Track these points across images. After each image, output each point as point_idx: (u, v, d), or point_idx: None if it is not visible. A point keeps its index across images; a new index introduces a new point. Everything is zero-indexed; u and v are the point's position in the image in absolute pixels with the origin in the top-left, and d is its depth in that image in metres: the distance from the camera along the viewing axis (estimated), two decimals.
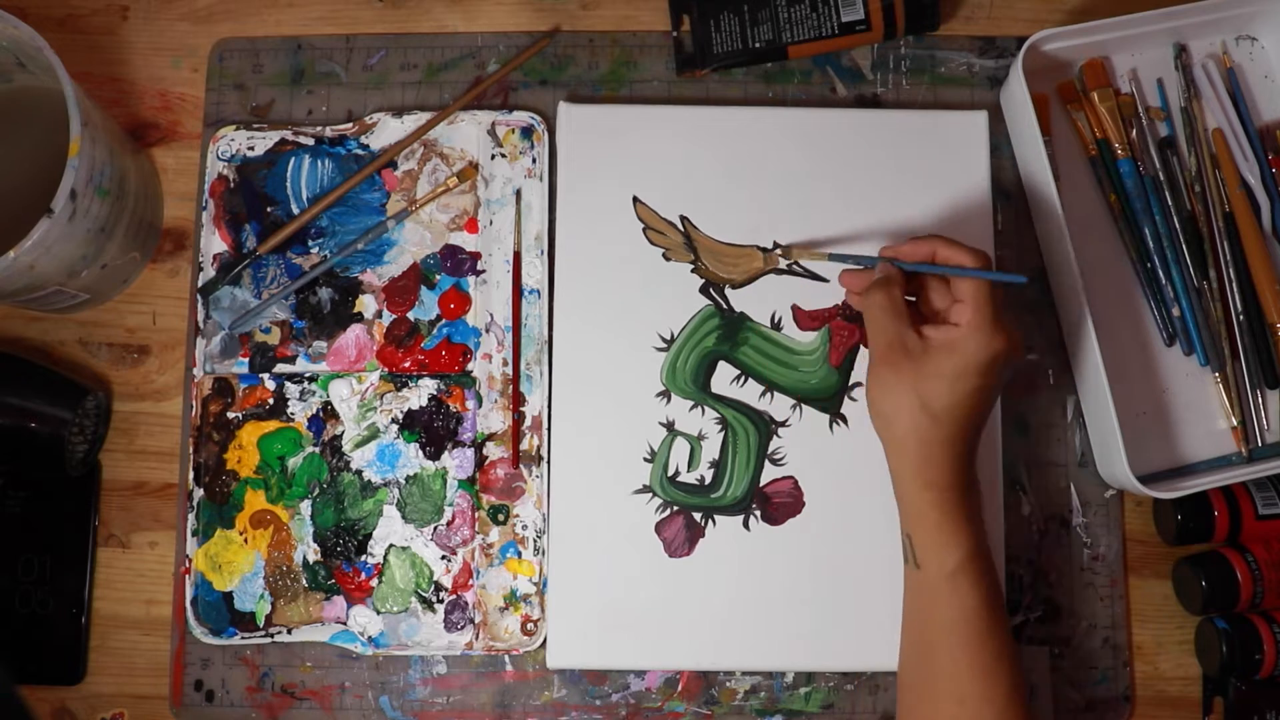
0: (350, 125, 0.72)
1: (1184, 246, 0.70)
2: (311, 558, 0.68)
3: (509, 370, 0.70)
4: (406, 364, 0.70)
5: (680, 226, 0.70)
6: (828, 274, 0.69)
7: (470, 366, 0.70)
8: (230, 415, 0.70)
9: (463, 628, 0.68)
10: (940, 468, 0.58)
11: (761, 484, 0.68)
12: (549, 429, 0.69)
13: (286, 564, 0.68)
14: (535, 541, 0.69)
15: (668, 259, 0.70)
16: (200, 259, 0.71)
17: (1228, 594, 0.66)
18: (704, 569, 0.67)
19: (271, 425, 0.69)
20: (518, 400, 0.69)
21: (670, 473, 0.68)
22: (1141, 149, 0.72)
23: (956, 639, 0.58)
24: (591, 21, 0.74)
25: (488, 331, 0.70)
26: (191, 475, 0.69)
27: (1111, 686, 0.68)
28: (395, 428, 0.69)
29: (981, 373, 0.58)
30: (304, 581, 0.68)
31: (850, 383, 0.69)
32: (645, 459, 0.68)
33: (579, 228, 0.70)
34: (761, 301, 0.69)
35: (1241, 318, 0.69)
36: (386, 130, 0.72)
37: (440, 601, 0.68)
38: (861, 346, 0.69)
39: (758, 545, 0.67)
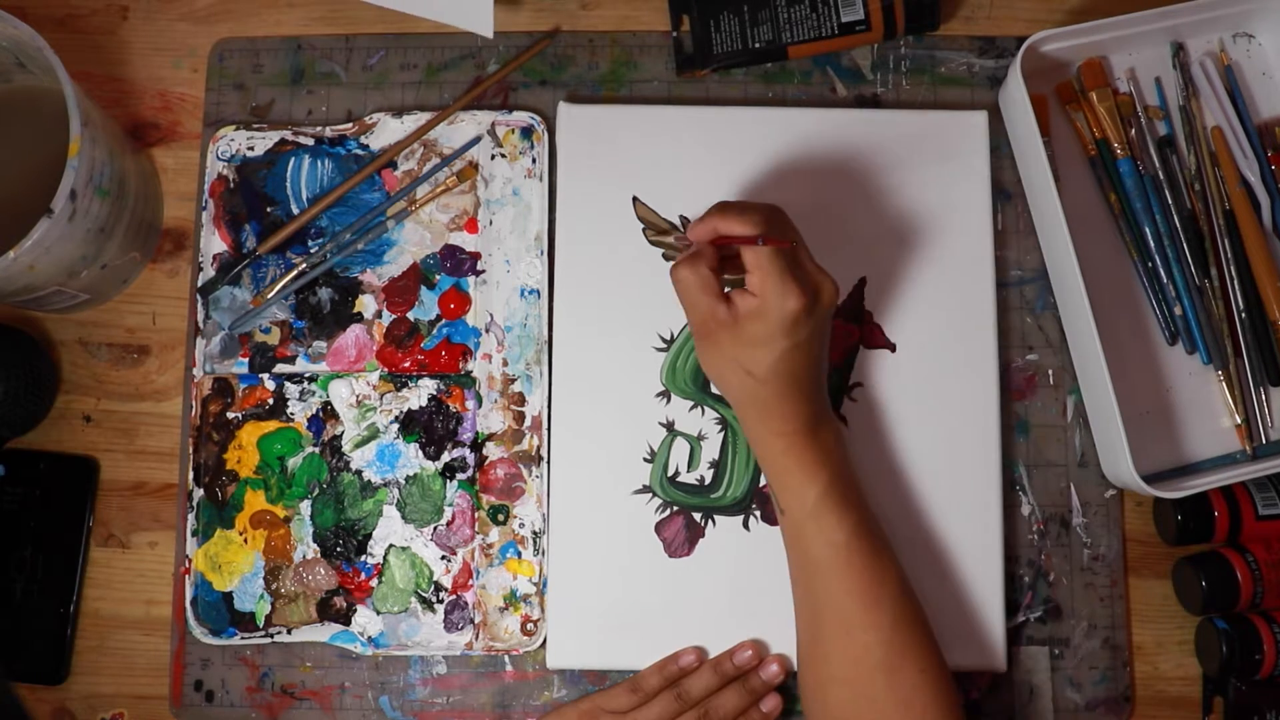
0: (350, 125, 0.72)
1: (1185, 245, 0.70)
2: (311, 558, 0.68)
3: (509, 370, 0.70)
4: (406, 364, 0.70)
5: (680, 227, 0.70)
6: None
7: (470, 366, 0.70)
8: (230, 415, 0.70)
9: (463, 628, 0.68)
10: (781, 417, 0.60)
11: (761, 484, 0.68)
12: (549, 429, 0.69)
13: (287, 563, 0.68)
14: (535, 541, 0.68)
15: (668, 259, 0.70)
16: (200, 259, 0.71)
17: (1228, 594, 0.66)
18: (704, 569, 0.67)
19: (271, 425, 0.69)
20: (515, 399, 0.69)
21: (670, 473, 0.68)
22: (1141, 148, 0.72)
23: (832, 571, 0.60)
24: (591, 21, 0.75)
25: (487, 331, 0.70)
26: (191, 475, 0.69)
27: (1111, 686, 0.68)
28: (395, 428, 0.69)
29: (786, 332, 0.58)
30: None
31: (850, 383, 0.69)
32: (645, 459, 0.68)
33: (579, 228, 0.70)
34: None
35: (1243, 315, 0.69)
36: (386, 130, 0.72)
37: (440, 601, 0.68)
38: (861, 346, 0.69)
39: (758, 545, 0.67)
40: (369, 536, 0.68)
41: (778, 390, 0.59)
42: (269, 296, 0.70)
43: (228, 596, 0.68)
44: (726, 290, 0.60)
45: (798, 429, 0.60)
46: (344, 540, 0.68)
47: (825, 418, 0.62)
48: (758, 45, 0.72)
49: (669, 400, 0.69)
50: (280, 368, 0.70)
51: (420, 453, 0.69)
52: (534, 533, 0.69)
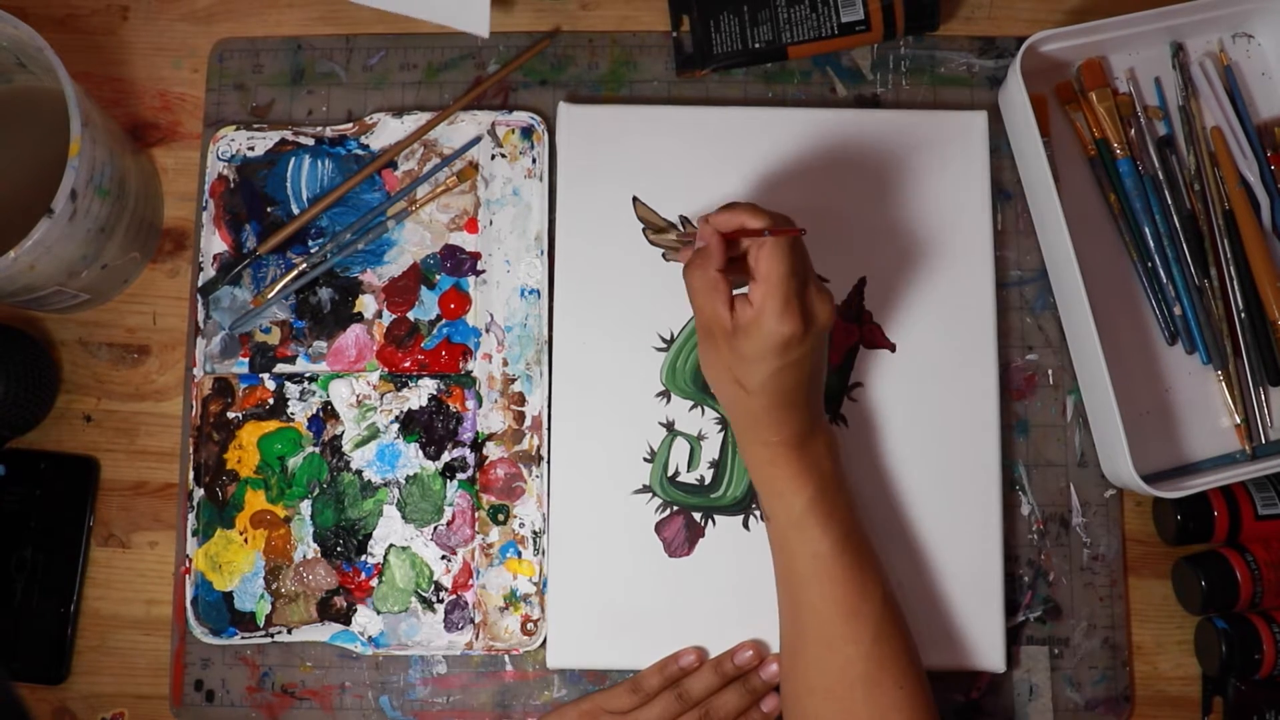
0: (350, 125, 0.72)
1: (1184, 245, 0.70)
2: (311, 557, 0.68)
3: (509, 370, 0.70)
4: (406, 364, 0.70)
5: (680, 227, 0.70)
6: (829, 275, 0.69)
7: (470, 366, 0.70)
8: (230, 415, 0.70)
9: (463, 628, 0.68)
10: (770, 428, 0.60)
11: None
12: (549, 429, 0.69)
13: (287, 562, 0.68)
14: (535, 541, 0.69)
15: (668, 259, 0.70)
16: (200, 259, 0.71)
17: (1227, 594, 0.66)
18: (704, 569, 0.67)
19: (271, 425, 0.69)
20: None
21: (670, 473, 0.68)
22: (1140, 148, 0.72)
23: (815, 582, 0.60)
24: (591, 21, 0.75)
25: (488, 331, 0.70)
26: (191, 475, 0.69)
27: (1111, 686, 0.68)
28: (395, 428, 0.69)
29: (778, 353, 0.57)
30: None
31: (850, 383, 0.69)
32: (645, 459, 0.68)
33: (579, 228, 0.70)
34: None
35: (1243, 315, 0.69)
36: (386, 130, 0.72)
37: (440, 601, 0.68)
38: (861, 346, 0.69)
39: (758, 545, 0.67)
40: (369, 536, 0.68)
41: (766, 404, 0.59)
42: (269, 296, 0.70)
43: (228, 596, 0.68)
44: (736, 292, 0.59)
45: (785, 440, 0.60)
46: (344, 540, 0.68)
47: (816, 428, 0.61)
48: (758, 45, 0.72)
49: (669, 400, 0.69)
50: (280, 368, 0.70)
51: (420, 453, 0.69)
52: (534, 533, 0.69)
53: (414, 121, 0.72)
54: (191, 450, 0.69)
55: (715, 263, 0.58)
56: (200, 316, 0.71)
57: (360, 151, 0.72)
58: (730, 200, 0.61)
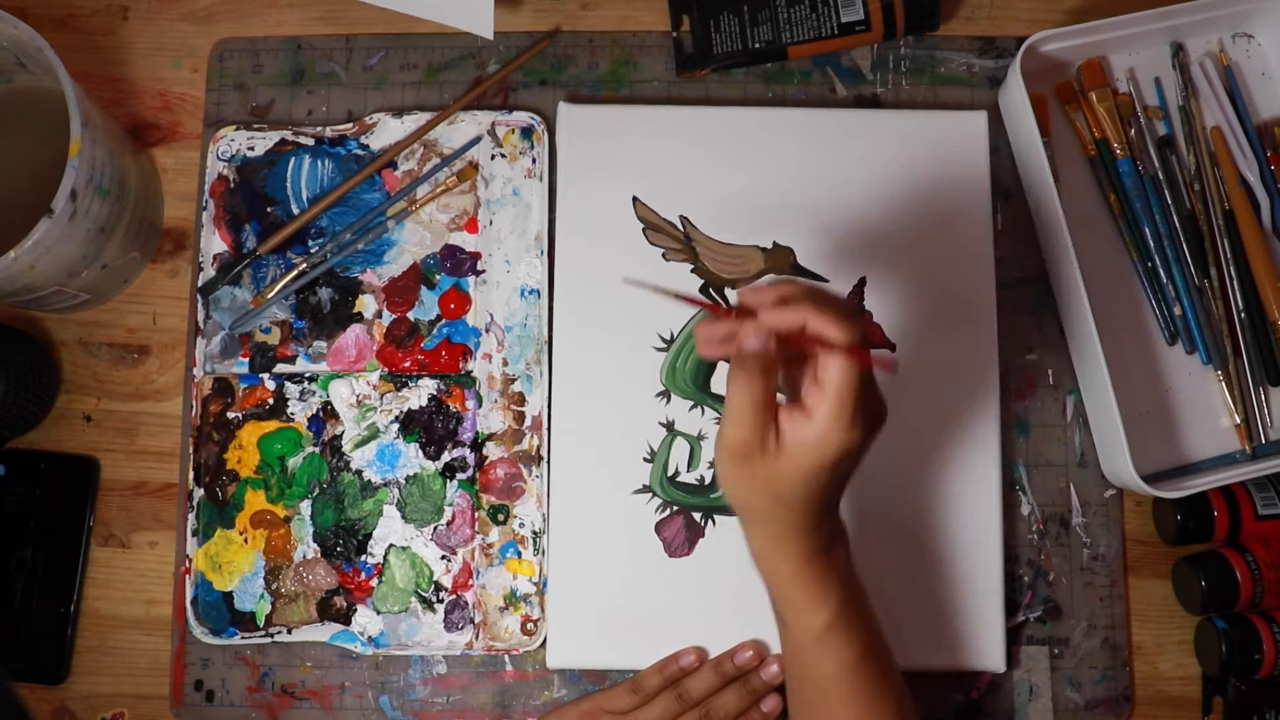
0: (350, 125, 0.72)
1: (1184, 245, 0.70)
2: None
3: (509, 370, 0.70)
4: (406, 364, 0.70)
5: (680, 226, 0.70)
6: (829, 275, 0.69)
7: (470, 366, 0.70)
8: (230, 415, 0.70)
9: (463, 628, 0.68)
10: (797, 542, 0.54)
11: None
12: (549, 429, 0.69)
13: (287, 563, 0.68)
14: (535, 541, 0.69)
15: (668, 259, 0.70)
16: (200, 259, 0.71)
17: (1227, 594, 0.66)
18: (704, 569, 0.67)
19: (271, 425, 0.69)
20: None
21: (670, 473, 0.68)
22: (1140, 148, 0.72)
23: (833, 696, 0.56)
24: (591, 21, 0.75)
25: (488, 331, 0.70)
26: (191, 475, 0.69)
27: (1111, 686, 0.68)
28: (395, 428, 0.69)
29: (838, 464, 0.51)
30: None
31: None
32: (645, 459, 0.68)
33: (579, 228, 0.70)
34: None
35: (1243, 315, 0.69)
36: (386, 130, 0.72)
37: (440, 601, 0.68)
38: None
39: None
40: (369, 536, 0.68)
41: (804, 515, 0.53)
42: (269, 296, 0.70)
43: (228, 596, 0.68)
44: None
45: (812, 553, 0.54)
46: (344, 540, 0.68)
47: (837, 532, 0.56)
48: (758, 45, 0.72)
49: (669, 400, 0.69)
50: (280, 368, 0.70)
51: (420, 453, 0.69)
52: (534, 532, 0.69)
53: (414, 121, 0.72)
54: (191, 450, 0.69)
55: (771, 377, 0.51)
56: (200, 316, 0.71)
57: (360, 151, 0.72)
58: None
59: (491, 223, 0.71)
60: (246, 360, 0.70)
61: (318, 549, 0.68)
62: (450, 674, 0.68)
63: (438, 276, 0.71)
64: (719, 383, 0.69)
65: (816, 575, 0.54)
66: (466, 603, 0.68)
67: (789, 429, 0.50)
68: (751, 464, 0.51)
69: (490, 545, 0.68)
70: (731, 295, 0.70)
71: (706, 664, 0.66)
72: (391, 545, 0.68)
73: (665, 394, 0.69)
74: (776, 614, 0.57)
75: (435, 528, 0.69)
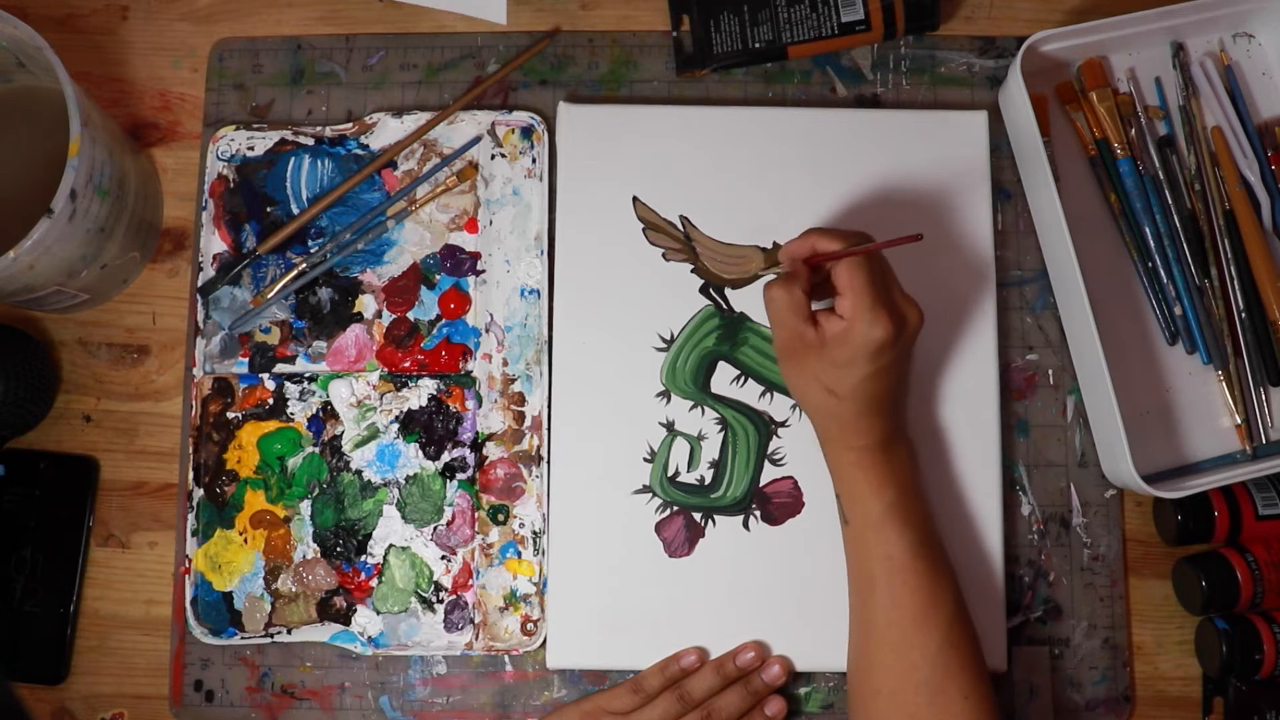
0: (350, 125, 0.72)
1: (1185, 245, 0.70)
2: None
3: (509, 370, 0.70)
4: (406, 364, 0.70)
5: (680, 226, 0.70)
6: None
7: (470, 366, 0.70)
8: (230, 415, 0.70)
9: (463, 628, 0.68)
10: (856, 433, 0.61)
11: (761, 484, 0.68)
12: (549, 429, 0.69)
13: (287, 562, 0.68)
14: (535, 541, 0.68)
15: (668, 259, 0.70)
16: (200, 259, 0.71)
17: (1228, 594, 0.66)
18: (704, 569, 0.67)
19: (271, 425, 0.69)
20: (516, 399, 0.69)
21: (670, 473, 0.68)
22: (1141, 148, 0.72)
23: (887, 586, 0.61)
24: (591, 21, 0.75)
25: (487, 331, 0.70)
26: (191, 475, 0.69)
27: (1111, 686, 0.68)
28: (395, 428, 0.69)
29: (870, 358, 0.59)
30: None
31: None
32: (645, 459, 0.68)
33: (579, 228, 0.70)
34: (761, 301, 0.69)
35: (1243, 315, 0.69)
36: (386, 130, 0.72)
37: (440, 601, 0.68)
38: None
39: (757, 545, 0.67)
40: (369, 536, 0.68)
41: (856, 409, 0.60)
42: (269, 296, 0.70)
43: (228, 596, 0.68)
44: (816, 307, 0.62)
45: (871, 445, 0.61)
46: (344, 540, 0.68)
47: (899, 435, 0.63)
48: (758, 45, 0.72)
49: (669, 400, 0.69)
50: (280, 368, 0.70)
51: (420, 453, 0.69)
52: (534, 533, 0.69)
53: (414, 121, 0.72)
54: (191, 450, 0.69)
55: (800, 284, 0.61)
56: (200, 316, 0.70)
57: (360, 151, 0.72)
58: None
59: (491, 223, 0.71)
60: (246, 360, 0.70)
61: (317, 549, 0.68)
62: (450, 674, 0.68)
63: (438, 276, 0.71)
64: (719, 383, 0.69)
65: (874, 467, 0.61)
66: (466, 603, 0.68)
67: (827, 326, 0.60)
68: (799, 359, 0.61)
69: (490, 545, 0.68)
70: (732, 296, 0.70)
71: (708, 665, 0.66)
72: (391, 545, 0.68)
73: (665, 394, 0.69)
74: (839, 509, 0.63)
75: (435, 528, 0.69)
